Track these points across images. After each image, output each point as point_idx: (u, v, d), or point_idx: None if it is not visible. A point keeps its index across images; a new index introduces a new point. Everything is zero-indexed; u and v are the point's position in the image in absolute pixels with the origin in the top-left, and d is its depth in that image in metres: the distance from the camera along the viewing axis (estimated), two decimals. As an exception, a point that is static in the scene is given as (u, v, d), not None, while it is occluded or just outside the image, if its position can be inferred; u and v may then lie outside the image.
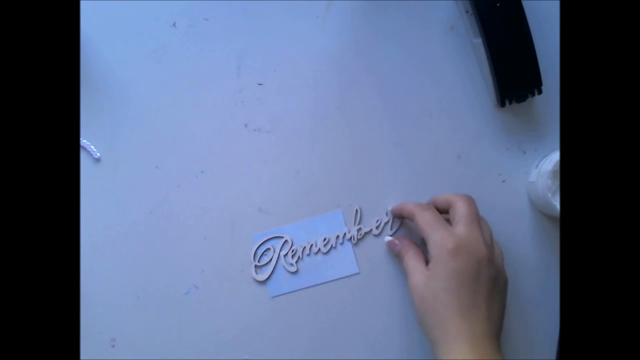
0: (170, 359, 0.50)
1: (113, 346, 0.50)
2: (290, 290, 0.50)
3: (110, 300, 0.50)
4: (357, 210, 0.50)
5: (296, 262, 0.50)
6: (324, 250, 0.50)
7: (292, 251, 0.50)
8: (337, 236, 0.50)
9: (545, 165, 0.46)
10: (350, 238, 0.50)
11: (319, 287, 0.50)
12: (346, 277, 0.50)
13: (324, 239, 0.50)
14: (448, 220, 0.44)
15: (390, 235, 0.49)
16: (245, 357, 0.50)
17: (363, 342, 0.50)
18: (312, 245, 0.50)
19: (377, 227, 0.50)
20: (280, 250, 0.50)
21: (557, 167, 0.45)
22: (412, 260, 0.45)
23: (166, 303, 0.50)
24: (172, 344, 0.50)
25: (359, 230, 0.50)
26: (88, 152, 0.51)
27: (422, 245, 0.46)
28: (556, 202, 0.45)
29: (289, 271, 0.50)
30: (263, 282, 0.50)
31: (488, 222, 0.46)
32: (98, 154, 0.51)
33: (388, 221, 0.50)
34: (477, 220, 0.43)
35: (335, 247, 0.50)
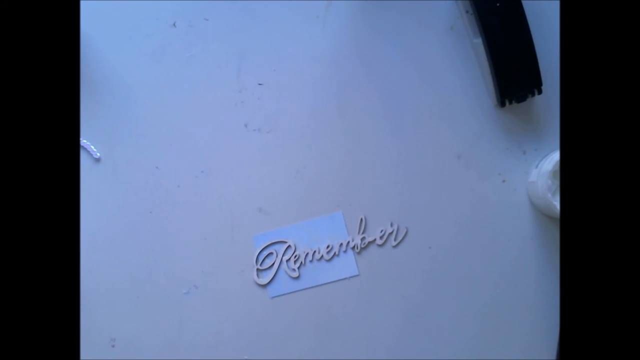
0: (170, 359, 0.50)
1: (113, 346, 0.50)
2: (289, 291, 0.50)
3: (110, 300, 0.50)
4: (361, 220, 0.49)
5: (298, 267, 0.50)
6: (327, 257, 0.50)
7: (295, 257, 0.50)
8: (341, 244, 0.50)
9: (545, 165, 0.46)
10: (354, 247, 0.50)
11: (318, 288, 0.50)
12: (346, 278, 0.50)
13: (327, 246, 0.50)
14: None
15: (394, 246, 0.49)
16: (245, 357, 0.50)
17: (363, 342, 0.50)
18: (315, 252, 0.50)
19: (381, 237, 0.49)
20: (283, 255, 0.50)
21: (557, 167, 0.45)
22: None
23: (166, 303, 0.50)
24: (172, 344, 0.50)
25: (362, 239, 0.49)
26: (88, 152, 0.51)
27: None
28: (556, 202, 0.45)
29: (290, 276, 0.50)
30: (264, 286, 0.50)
31: (488, 222, 0.45)
32: (98, 154, 0.51)
33: (392, 231, 0.50)
34: None
35: (338, 255, 0.50)
